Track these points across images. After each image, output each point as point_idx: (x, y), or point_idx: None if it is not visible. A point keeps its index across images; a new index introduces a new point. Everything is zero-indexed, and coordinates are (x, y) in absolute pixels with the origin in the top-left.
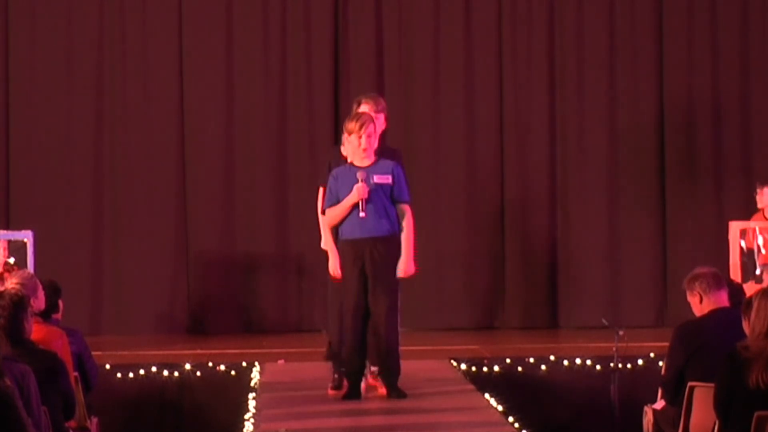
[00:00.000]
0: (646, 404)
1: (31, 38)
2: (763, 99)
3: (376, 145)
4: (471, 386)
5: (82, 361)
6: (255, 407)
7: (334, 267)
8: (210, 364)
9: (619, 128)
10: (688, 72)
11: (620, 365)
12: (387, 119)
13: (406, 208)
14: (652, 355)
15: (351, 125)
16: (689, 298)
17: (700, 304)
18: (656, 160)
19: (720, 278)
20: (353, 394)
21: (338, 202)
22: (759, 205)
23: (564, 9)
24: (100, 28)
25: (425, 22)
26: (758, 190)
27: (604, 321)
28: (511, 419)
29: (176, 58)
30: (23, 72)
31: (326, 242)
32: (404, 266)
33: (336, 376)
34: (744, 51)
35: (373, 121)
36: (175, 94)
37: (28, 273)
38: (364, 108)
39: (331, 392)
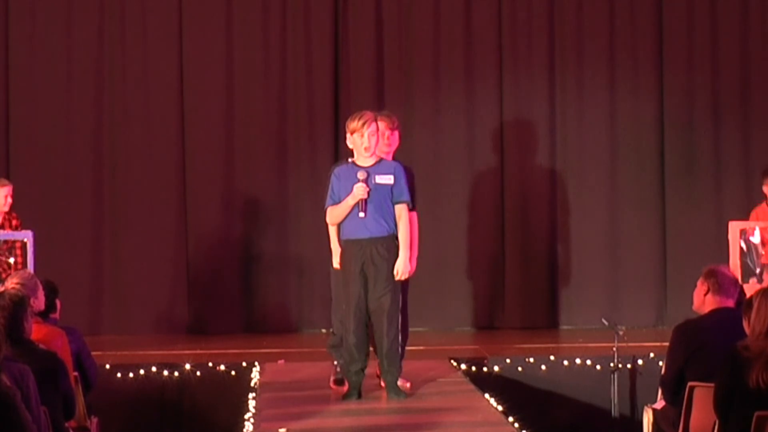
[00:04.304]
0: (646, 404)
1: (31, 38)
2: (763, 99)
3: (392, 145)
4: (471, 386)
5: (80, 359)
6: (255, 407)
7: (337, 259)
8: (210, 364)
9: (619, 128)
10: (688, 71)
11: (620, 365)
12: (401, 137)
13: (404, 209)
14: (652, 355)
15: (353, 124)
16: (698, 286)
17: (704, 297)
18: (656, 159)
19: (735, 288)
20: (353, 394)
21: (340, 201)
22: None
23: (564, 9)
24: (100, 27)
25: (425, 23)
26: (766, 181)
27: (604, 321)
28: (511, 419)
29: (176, 59)
30: (23, 72)
31: (331, 238)
32: (401, 268)
33: (338, 369)
34: (744, 51)
35: (375, 119)
36: (175, 94)
37: (28, 273)
38: (379, 125)
39: (333, 387)
